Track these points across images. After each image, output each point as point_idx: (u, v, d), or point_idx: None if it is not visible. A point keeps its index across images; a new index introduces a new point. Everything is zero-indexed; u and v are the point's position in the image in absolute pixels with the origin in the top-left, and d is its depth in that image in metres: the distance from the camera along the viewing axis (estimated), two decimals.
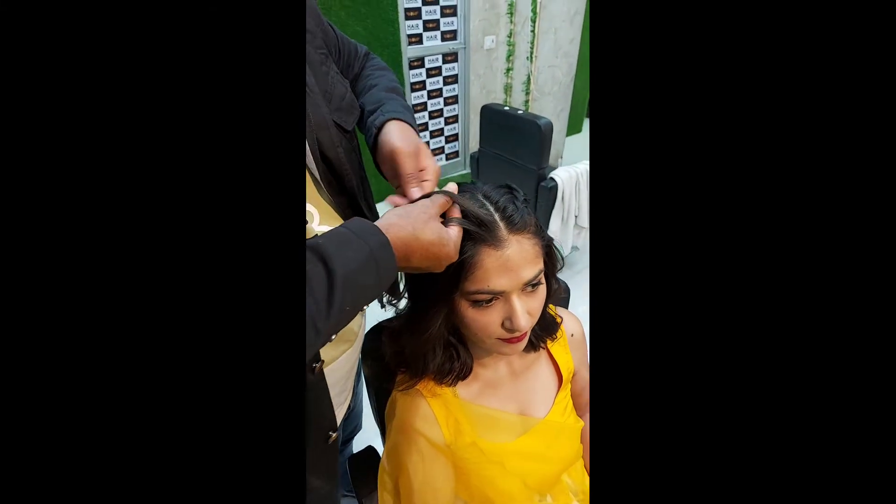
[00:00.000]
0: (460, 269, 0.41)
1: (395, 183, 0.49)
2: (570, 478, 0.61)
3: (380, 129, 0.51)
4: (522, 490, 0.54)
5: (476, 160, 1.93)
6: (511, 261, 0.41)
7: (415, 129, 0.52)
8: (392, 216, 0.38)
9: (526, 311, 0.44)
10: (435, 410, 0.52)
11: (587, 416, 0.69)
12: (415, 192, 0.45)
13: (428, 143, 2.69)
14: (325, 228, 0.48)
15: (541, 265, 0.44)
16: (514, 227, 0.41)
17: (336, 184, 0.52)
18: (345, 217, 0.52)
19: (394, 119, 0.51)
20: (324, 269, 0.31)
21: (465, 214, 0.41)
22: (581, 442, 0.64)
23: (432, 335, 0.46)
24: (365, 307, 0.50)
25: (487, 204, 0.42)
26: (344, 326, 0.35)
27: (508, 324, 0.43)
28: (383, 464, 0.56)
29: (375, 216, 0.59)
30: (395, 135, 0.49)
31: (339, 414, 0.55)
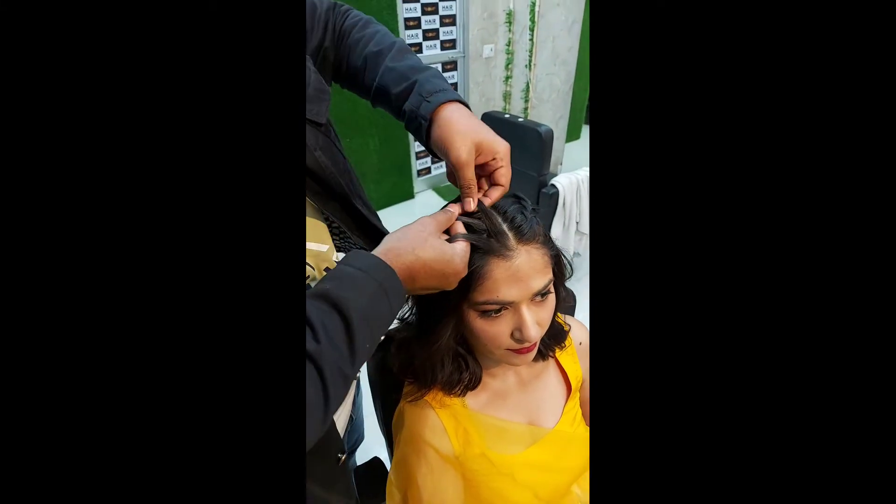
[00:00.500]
0: (469, 279, 0.40)
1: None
2: (580, 488, 0.61)
3: (429, 122, 0.43)
4: (533, 501, 0.53)
5: None
6: (520, 271, 0.41)
7: (463, 103, 0.44)
8: (391, 240, 0.37)
9: (535, 321, 0.43)
10: (444, 421, 0.52)
11: None
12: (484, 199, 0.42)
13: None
14: (311, 245, 0.45)
15: (550, 275, 0.43)
16: (522, 237, 0.41)
17: (322, 192, 0.47)
18: (342, 223, 0.50)
19: (438, 108, 0.42)
20: (339, 317, 0.30)
21: (473, 226, 0.41)
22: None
23: (441, 346, 0.46)
24: None
25: (495, 214, 0.42)
26: (364, 362, 0.34)
27: (518, 334, 0.43)
28: (391, 476, 0.55)
29: (373, 212, 0.55)
30: (450, 139, 0.41)
31: (341, 427, 0.55)
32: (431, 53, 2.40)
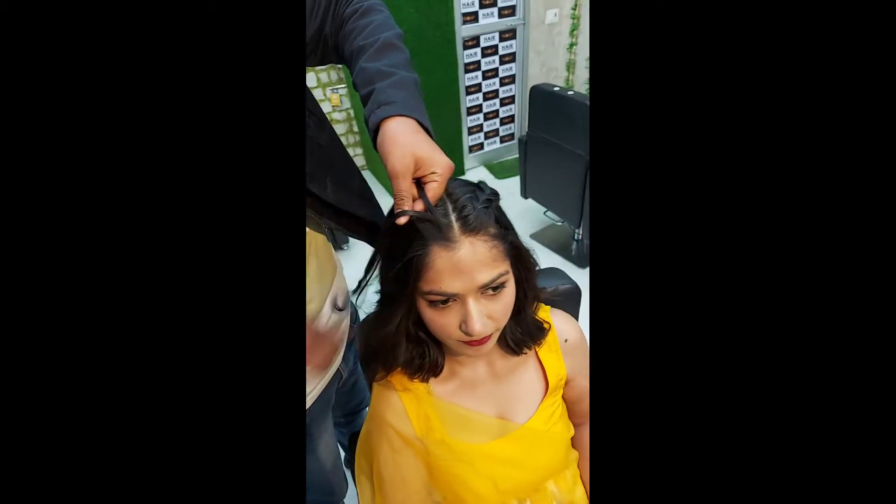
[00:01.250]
0: (409, 266, 0.39)
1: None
2: (557, 486, 0.59)
3: (375, 132, 0.43)
4: (494, 493, 0.52)
5: (524, 144, 1.85)
6: (462, 262, 0.39)
7: (413, 116, 0.42)
8: None
9: (485, 314, 0.41)
10: (406, 404, 0.52)
11: (588, 424, 0.64)
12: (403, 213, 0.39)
13: (481, 126, 2.63)
14: None
15: (501, 268, 0.41)
16: (467, 227, 0.39)
17: None
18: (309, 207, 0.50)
19: (384, 120, 0.42)
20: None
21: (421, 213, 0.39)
22: (577, 449, 0.61)
23: (393, 330, 0.46)
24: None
25: (447, 201, 0.40)
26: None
27: (464, 327, 0.41)
28: (359, 447, 0.58)
29: (352, 194, 0.55)
30: (387, 150, 0.40)
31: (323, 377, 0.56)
32: (488, 22, 2.29)
